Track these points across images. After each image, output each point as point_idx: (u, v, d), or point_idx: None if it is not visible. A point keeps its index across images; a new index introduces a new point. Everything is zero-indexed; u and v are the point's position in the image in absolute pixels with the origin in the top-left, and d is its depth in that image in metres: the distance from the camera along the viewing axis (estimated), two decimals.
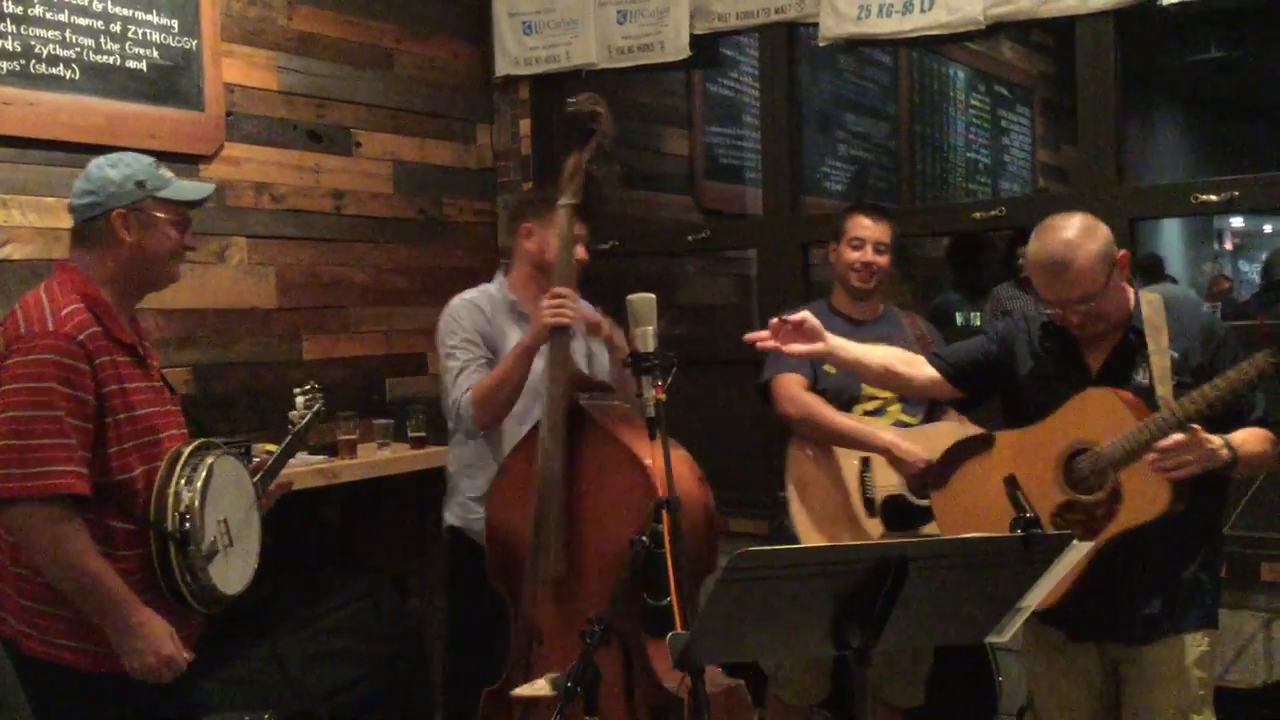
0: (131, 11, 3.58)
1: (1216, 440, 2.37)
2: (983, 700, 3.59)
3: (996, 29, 3.76)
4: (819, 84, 6.31)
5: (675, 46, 4.25)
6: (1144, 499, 2.44)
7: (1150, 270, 6.32)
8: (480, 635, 3.08)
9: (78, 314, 2.25)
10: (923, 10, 3.75)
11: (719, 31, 4.26)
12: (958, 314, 5.51)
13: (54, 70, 3.39)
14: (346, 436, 3.87)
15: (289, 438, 2.82)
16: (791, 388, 3.19)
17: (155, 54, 3.64)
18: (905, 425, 3.19)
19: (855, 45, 4.08)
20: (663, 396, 2.30)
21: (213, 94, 3.79)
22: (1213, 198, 3.39)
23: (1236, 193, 3.37)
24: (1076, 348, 2.63)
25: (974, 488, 2.71)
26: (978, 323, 5.38)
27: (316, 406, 2.97)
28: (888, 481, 3.12)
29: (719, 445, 4.12)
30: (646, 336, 2.35)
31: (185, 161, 3.69)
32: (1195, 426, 2.35)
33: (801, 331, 2.64)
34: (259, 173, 3.97)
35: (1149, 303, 2.57)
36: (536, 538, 2.74)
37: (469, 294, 3.23)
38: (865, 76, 6.74)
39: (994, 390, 2.82)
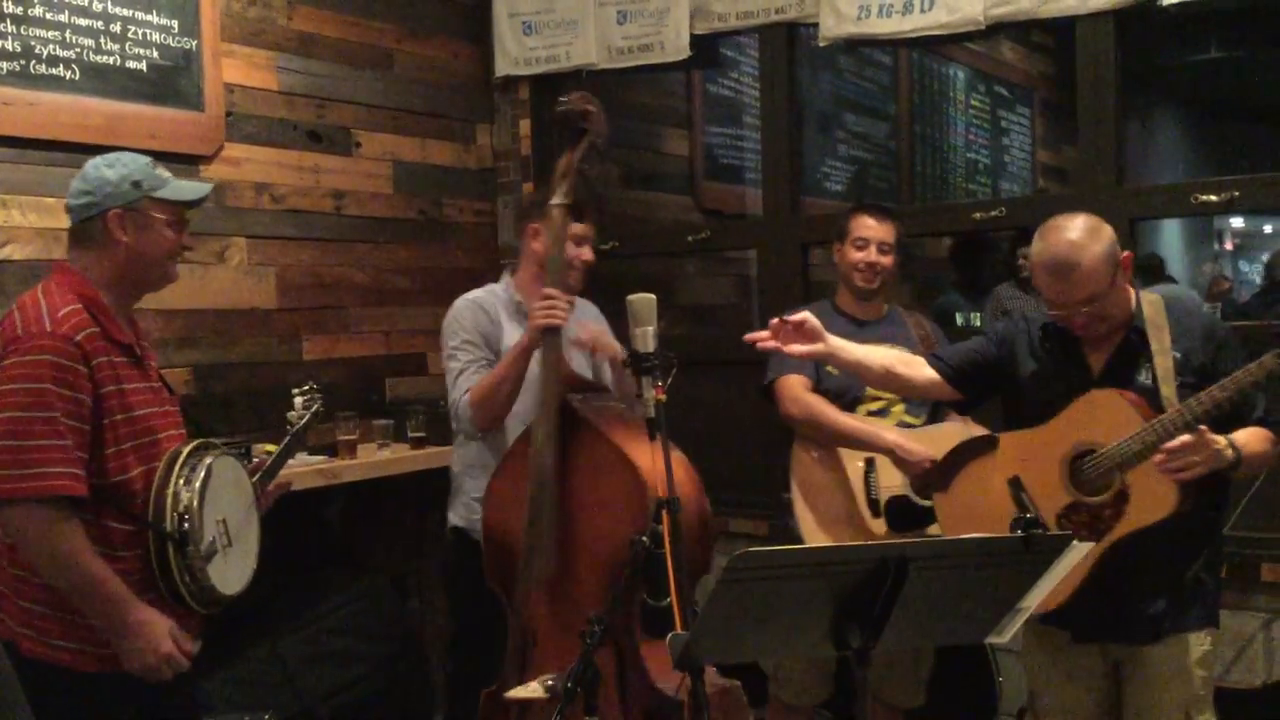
0: (131, 12, 3.58)
1: (1221, 440, 2.37)
2: (982, 700, 3.59)
3: (996, 29, 3.76)
4: (819, 84, 6.31)
5: (675, 47, 4.25)
6: (1152, 500, 2.44)
7: (1151, 271, 6.31)
8: (483, 636, 3.08)
9: (75, 315, 2.25)
10: (923, 10, 3.75)
11: (719, 32, 4.26)
12: (958, 315, 5.51)
13: (54, 70, 3.39)
14: (346, 437, 3.87)
15: (287, 438, 2.82)
16: (795, 389, 3.19)
17: (155, 54, 3.64)
18: (909, 426, 3.19)
19: (855, 45, 4.08)
20: (663, 397, 2.30)
21: (213, 94, 3.79)
22: (1213, 198, 3.38)
23: (1236, 193, 3.37)
24: (1078, 348, 2.63)
25: (977, 489, 2.71)
26: (978, 323, 5.38)
27: (315, 407, 2.97)
28: (892, 482, 3.12)
29: (719, 446, 4.12)
30: (647, 337, 2.35)
31: (185, 162, 3.69)
32: (1203, 428, 2.35)
33: (802, 332, 2.63)
34: (259, 173, 3.97)
35: (1150, 303, 2.57)
36: (529, 538, 2.74)
37: (474, 294, 3.22)
38: (865, 77, 6.74)
39: (993, 391, 2.81)
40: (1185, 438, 2.35)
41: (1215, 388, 2.37)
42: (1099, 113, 3.55)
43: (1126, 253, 2.56)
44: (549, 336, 2.82)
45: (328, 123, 4.19)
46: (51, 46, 3.39)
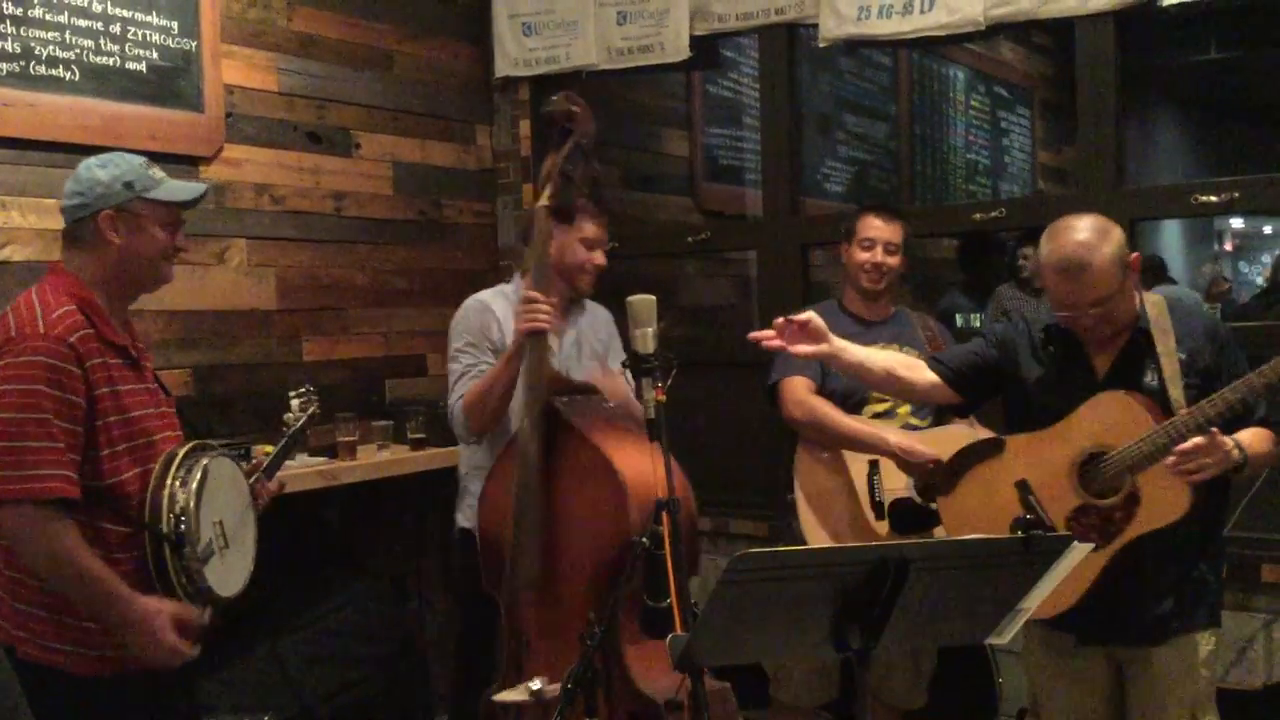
0: (131, 13, 3.58)
1: (1230, 442, 2.37)
2: (982, 701, 3.58)
3: (996, 30, 3.76)
4: (819, 85, 6.31)
5: (675, 48, 4.25)
6: (1164, 502, 2.44)
7: (1152, 272, 6.31)
8: (487, 637, 3.08)
9: (69, 316, 2.24)
10: (923, 11, 3.75)
11: (719, 33, 4.26)
12: (958, 315, 5.50)
13: (54, 72, 3.39)
14: (346, 438, 3.87)
15: (284, 440, 2.82)
16: (798, 391, 3.19)
17: (155, 55, 3.64)
18: (914, 428, 3.18)
19: (855, 46, 4.08)
20: (663, 398, 2.29)
21: (212, 95, 3.79)
22: (1213, 199, 3.38)
23: (1236, 194, 3.37)
24: (1082, 351, 2.62)
25: (984, 492, 2.69)
26: (977, 324, 5.38)
27: (311, 409, 2.96)
28: (896, 485, 3.11)
29: (719, 447, 4.13)
30: (646, 338, 2.34)
31: (185, 163, 3.69)
32: (1214, 429, 2.35)
33: (806, 332, 2.63)
34: (259, 174, 3.97)
35: (1153, 304, 2.57)
36: (514, 541, 2.74)
37: (483, 294, 3.20)
38: (865, 77, 6.74)
39: (993, 393, 2.81)
40: (1198, 440, 2.35)
41: (1227, 390, 2.37)
42: (1099, 113, 3.55)
43: (1135, 254, 2.56)
44: (532, 340, 2.81)
45: (328, 124, 4.19)
46: (51, 47, 3.38)
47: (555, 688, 2.37)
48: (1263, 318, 5.47)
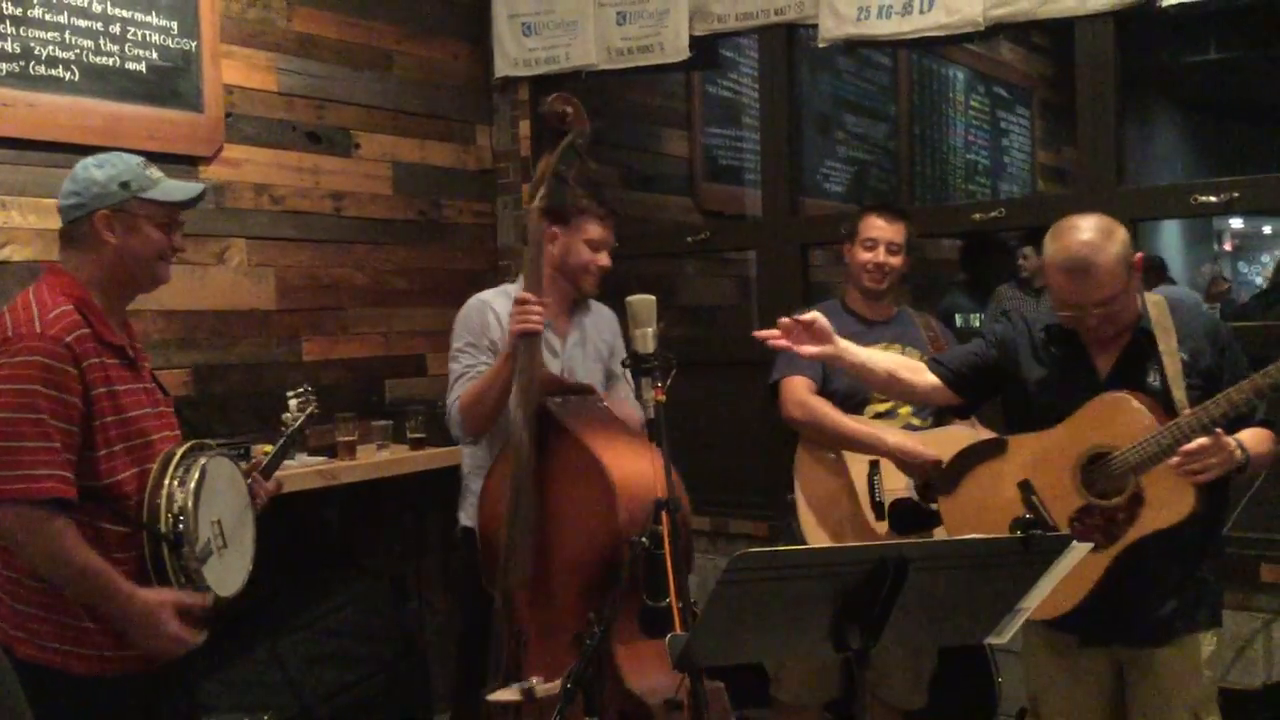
0: (131, 13, 3.58)
1: (1233, 442, 2.37)
2: (982, 701, 3.58)
3: (996, 30, 3.76)
4: (818, 85, 6.31)
5: (675, 48, 4.25)
6: (1168, 503, 2.43)
7: (1153, 272, 6.31)
8: (488, 636, 3.08)
9: (66, 316, 2.24)
10: (922, 11, 3.75)
11: (718, 33, 4.26)
12: (958, 316, 5.51)
13: (53, 72, 3.39)
14: (345, 438, 3.87)
15: (282, 440, 2.81)
16: (799, 391, 3.19)
17: (155, 55, 3.64)
18: (915, 428, 3.18)
19: (855, 46, 4.07)
20: (662, 398, 2.29)
21: (212, 95, 3.79)
22: (1212, 199, 3.38)
23: (1236, 194, 3.37)
24: (1084, 351, 2.61)
25: (986, 493, 2.69)
26: (977, 324, 5.38)
27: (309, 409, 2.96)
28: (896, 485, 3.11)
29: (719, 446, 4.13)
30: (646, 338, 2.35)
31: (184, 163, 3.69)
32: (1219, 430, 2.35)
33: (811, 332, 2.63)
34: (258, 174, 3.97)
35: (1154, 304, 2.57)
36: (507, 540, 2.75)
37: (487, 294, 3.20)
38: (865, 78, 6.74)
39: (993, 394, 2.81)
40: (1202, 440, 2.34)
41: (1232, 390, 2.37)
42: (1098, 113, 3.54)
43: (1139, 254, 2.56)
44: (524, 341, 2.81)
45: (327, 124, 4.19)
46: (51, 47, 3.39)
47: (548, 686, 2.37)
48: (1263, 318, 5.47)
